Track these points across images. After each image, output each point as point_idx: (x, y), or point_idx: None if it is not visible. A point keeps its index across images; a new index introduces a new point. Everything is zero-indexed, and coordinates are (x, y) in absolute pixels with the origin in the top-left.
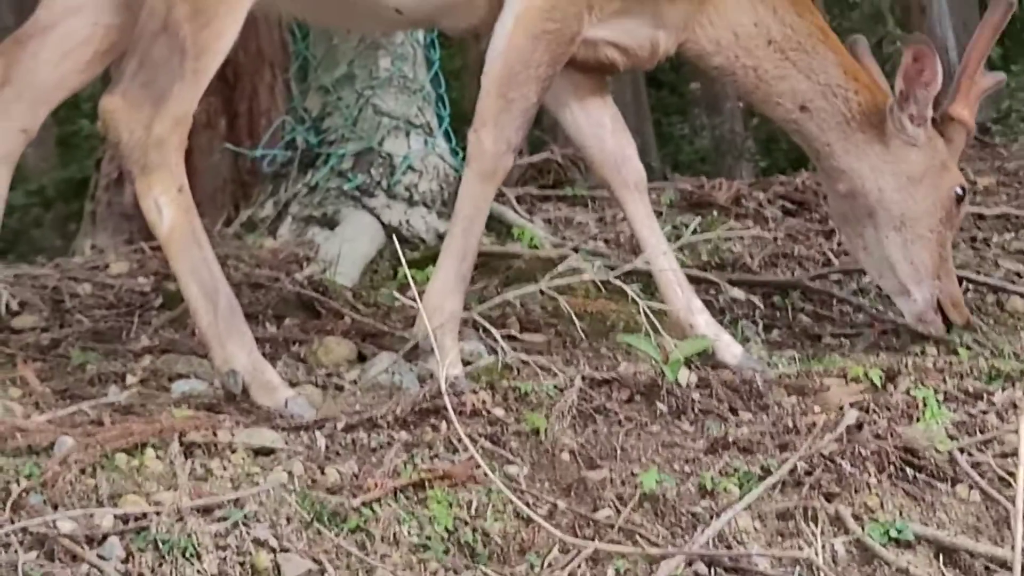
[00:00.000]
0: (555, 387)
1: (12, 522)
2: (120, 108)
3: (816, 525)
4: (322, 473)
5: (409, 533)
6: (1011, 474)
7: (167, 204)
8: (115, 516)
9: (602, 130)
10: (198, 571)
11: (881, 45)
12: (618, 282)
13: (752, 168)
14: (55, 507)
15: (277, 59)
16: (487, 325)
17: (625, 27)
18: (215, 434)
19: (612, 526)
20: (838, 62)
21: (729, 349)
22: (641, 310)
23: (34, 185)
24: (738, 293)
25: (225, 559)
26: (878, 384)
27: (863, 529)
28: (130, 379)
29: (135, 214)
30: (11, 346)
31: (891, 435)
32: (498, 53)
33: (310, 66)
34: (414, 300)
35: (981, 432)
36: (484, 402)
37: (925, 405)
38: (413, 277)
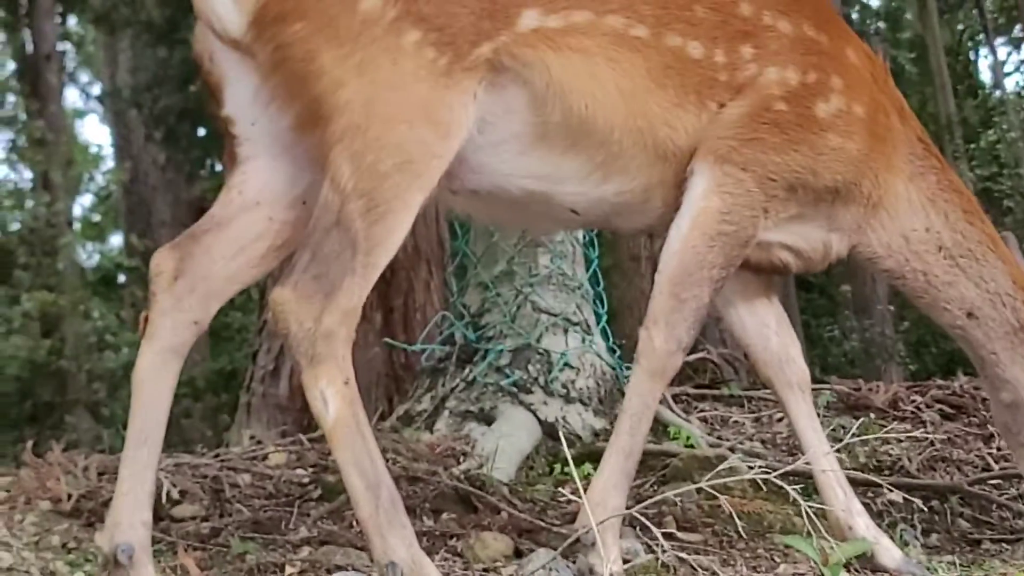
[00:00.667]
0: None
1: None
2: (291, 300)
3: None
4: None
5: None
6: None
7: (333, 396)
8: None
9: (767, 330)
10: None
11: None
12: (779, 482)
13: (902, 371)
14: None
15: (434, 255)
16: (647, 523)
17: (799, 230)
18: None
19: None
20: (1007, 271)
21: (889, 553)
22: (802, 511)
23: (184, 376)
24: (897, 496)
25: None
26: None
27: None
28: (289, 569)
29: (289, 406)
30: (172, 534)
31: None
32: (673, 253)
33: (470, 263)
34: (576, 495)
35: None
36: None
37: None
38: (572, 474)
